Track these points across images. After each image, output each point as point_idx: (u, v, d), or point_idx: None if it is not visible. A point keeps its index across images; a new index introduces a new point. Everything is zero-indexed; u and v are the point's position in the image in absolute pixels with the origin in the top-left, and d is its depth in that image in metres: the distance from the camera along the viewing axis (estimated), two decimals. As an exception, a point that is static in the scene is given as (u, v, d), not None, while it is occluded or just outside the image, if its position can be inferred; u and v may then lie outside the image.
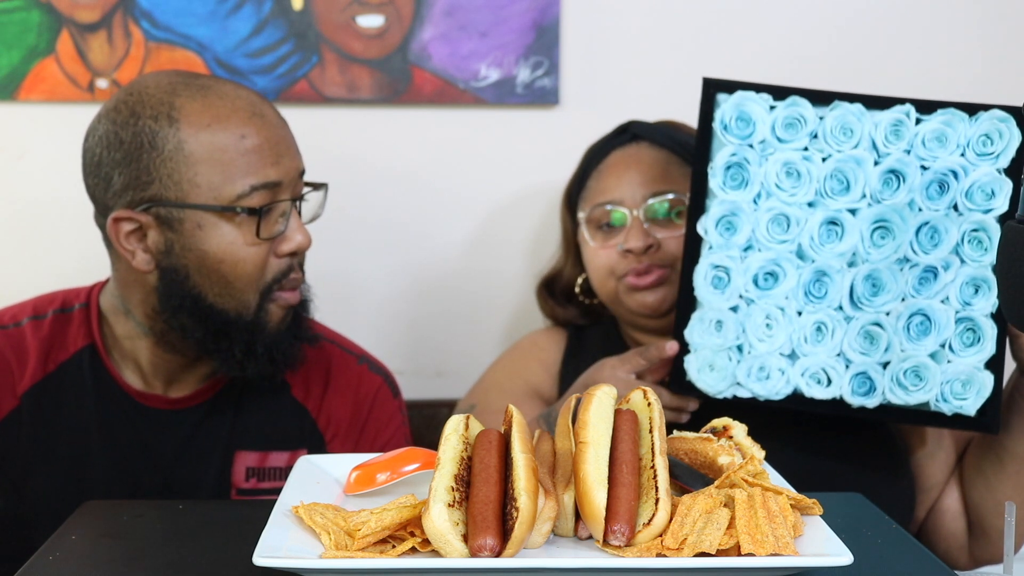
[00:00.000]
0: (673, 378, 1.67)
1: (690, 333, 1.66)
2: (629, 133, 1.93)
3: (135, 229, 1.63)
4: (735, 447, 1.26)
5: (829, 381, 1.63)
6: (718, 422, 1.32)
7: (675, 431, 1.30)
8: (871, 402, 1.62)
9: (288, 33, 2.18)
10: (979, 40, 2.29)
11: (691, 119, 1.74)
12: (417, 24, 2.20)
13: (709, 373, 1.65)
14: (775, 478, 1.25)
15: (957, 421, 1.60)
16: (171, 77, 1.65)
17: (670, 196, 1.84)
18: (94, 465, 1.71)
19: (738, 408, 1.63)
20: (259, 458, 1.75)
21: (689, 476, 1.22)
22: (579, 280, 1.99)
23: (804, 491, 1.21)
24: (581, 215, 1.92)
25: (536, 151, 2.26)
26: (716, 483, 1.17)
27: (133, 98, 1.62)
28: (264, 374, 1.69)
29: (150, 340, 1.70)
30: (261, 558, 1.05)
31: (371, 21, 2.19)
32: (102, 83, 2.18)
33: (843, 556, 1.06)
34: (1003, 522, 1.71)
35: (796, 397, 1.64)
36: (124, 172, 1.61)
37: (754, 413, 1.52)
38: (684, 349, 1.66)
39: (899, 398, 1.61)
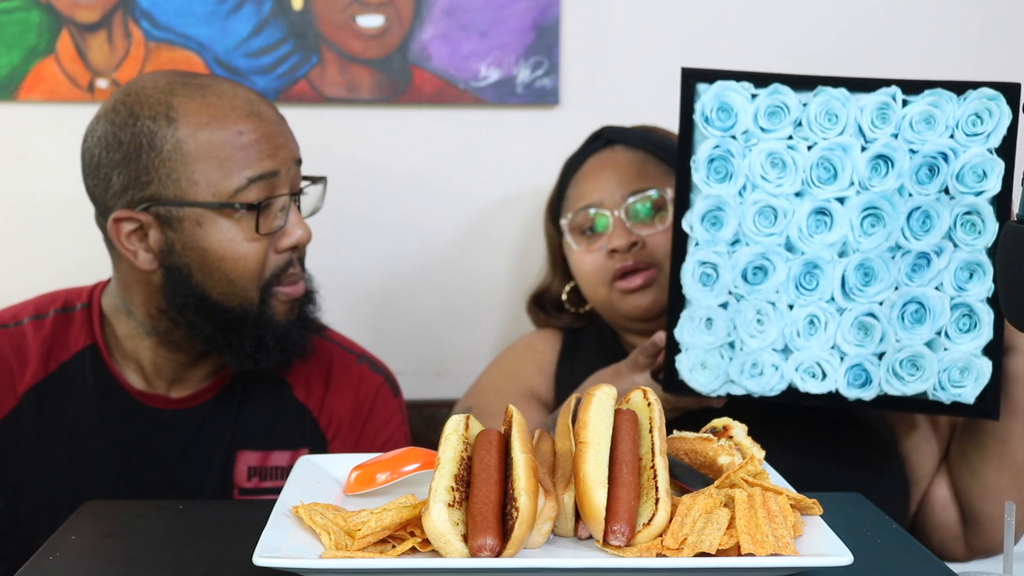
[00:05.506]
0: (666, 378, 1.64)
1: (680, 332, 1.62)
2: (603, 139, 1.94)
3: (136, 229, 1.63)
4: (735, 447, 1.26)
5: (824, 375, 1.59)
6: (718, 422, 1.32)
7: (675, 431, 1.30)
8: (867, 394, 1.58)
9: (288, 33, 2.18)
10: (978, 42, 2.29)
11: (690, 119, 1.74)
12: (417, 24, 2.20)
13: (701, 372, 1.61)
14: (775, 478, 1.25)
15: (956, 409, 1.57)
16: (168, 77, 1.66)
17: (650, 193, 1.85)
18: (95, 466, 1.71)
19: (736, 406, 1.62)
20: (261, 457, 1.75)
21: (689, 476, 1.22)
22: (566, 289, 2.00)
23: (804, 491, 1.21)
24: (563, 222, 1.93)
25: (536, 151, 2.26)
26: (716, 483, 1.17)
27: (131, 99, 1.63)
28: (276, 366, 1.70)
29: (152, 340, 1.70)
30: (261, 558, 1.05)
31: (371, 21, 2.19)
32: (102, 83, 2.18)
33: (843, 556, 1.06)
34: (992, 508, 1.71)
35: (791, 392, 1.60)
36: (123, 172, 1.61)
37: (752, 412, 1.51)
38: (675, 348, 1.62)
39: (896, 389, 1.57)
